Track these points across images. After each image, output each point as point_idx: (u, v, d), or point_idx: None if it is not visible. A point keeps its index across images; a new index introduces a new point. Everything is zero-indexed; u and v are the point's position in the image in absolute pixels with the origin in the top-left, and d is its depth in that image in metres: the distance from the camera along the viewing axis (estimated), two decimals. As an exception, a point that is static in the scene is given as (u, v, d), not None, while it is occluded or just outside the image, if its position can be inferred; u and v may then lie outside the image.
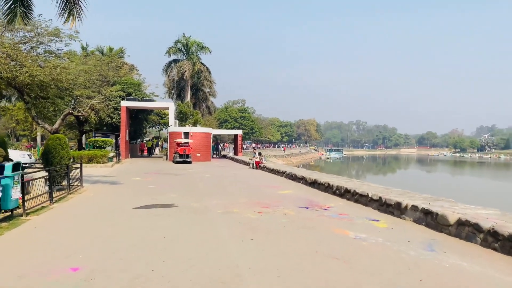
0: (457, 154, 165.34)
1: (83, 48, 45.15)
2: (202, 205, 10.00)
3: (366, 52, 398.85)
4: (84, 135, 41.34)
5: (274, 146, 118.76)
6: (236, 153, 39.28)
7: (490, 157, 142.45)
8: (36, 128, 41.16)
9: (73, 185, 13.04)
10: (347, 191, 11.07)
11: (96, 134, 38.80)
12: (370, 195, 9.77)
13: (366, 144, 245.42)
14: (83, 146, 35.59)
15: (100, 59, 37.55)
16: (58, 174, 11.67)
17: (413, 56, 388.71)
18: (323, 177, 14.01)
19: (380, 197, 9.28)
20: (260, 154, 24.03)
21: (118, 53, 46.82)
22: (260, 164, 23.00)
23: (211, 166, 26.77)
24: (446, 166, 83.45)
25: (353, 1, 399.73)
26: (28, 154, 19.44)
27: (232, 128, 70.49)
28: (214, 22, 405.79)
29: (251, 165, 24.06)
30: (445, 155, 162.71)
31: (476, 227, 6.28)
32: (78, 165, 13.52)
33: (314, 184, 13.83)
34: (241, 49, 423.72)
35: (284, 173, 18.06)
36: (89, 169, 22.37)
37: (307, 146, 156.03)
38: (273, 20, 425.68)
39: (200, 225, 7.64)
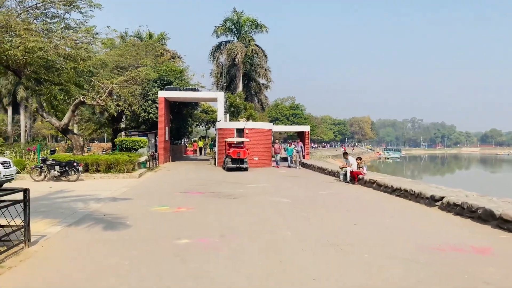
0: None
1: (122, 38, 38.88)
2: None
3: (421, 49, 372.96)
4: (120, 135, 35.06)
5: (326, 146, 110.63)
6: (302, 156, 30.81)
7: None
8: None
9: (9, 243, 5.67)
10: None
11: (132, 133, 32.21)
12: None
13: (423, 143, 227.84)
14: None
15: (136, 44, 30.92)
16: None
17: (469, 49, 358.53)
18: None
19: None
20: (360, 159, 15.63)
21: (159, 39, 40.13)
22: (360, 176, 14.65)
23: (278, 176, 18.74)
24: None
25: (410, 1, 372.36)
26: (2, 162, 12.45)
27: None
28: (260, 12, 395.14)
29: (341, 177, 15.75)
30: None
31: None
32: (14, 196, 5.93)
33: None
34: (289, 44, 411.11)
35: (435, 199, 9.61)
36: (103, 182, 15.19)
37: (362, 145, 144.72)
38: (324, 18, 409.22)
39: None
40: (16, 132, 49.89)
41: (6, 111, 48.55)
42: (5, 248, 5.60)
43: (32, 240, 6.25)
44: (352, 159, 15.59)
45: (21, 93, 39.26)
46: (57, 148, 28.84)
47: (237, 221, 8.06)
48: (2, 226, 5.83)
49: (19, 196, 5.96)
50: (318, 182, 15.82)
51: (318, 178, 17.46)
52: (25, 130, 48.59)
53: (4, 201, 5.87)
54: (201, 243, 6.30)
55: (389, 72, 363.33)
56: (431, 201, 9.72)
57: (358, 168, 15.03)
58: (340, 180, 15.80)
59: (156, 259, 5.46)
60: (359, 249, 5.92)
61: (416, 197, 10.49)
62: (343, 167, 15.85)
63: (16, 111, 49.04)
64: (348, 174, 15.17)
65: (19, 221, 5.96)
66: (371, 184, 13.68)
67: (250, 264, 5.24)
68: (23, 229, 5.99)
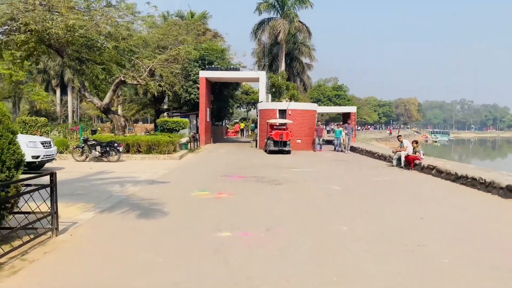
0: None
1: (164, 17, 38.56)
2: None
3: (473, 30, 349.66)
4: (163, 115, 35.04)
5: (369, 128, 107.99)
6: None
7: None
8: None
9: (35, 232, 5.11)
10: None
11: (174, 114, 32.06)
12: None
13: (473, 126, 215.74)
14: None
15: (177, 23, 30.42)
16: None
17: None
18: None
19: None
20: (416, 142, 14.23)
21: (201, 18, 39.44)
22: (416, 162, 13.33)
23: (323, 160, 17.68)
24: None
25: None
26: (43, 142, 12.28)
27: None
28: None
29: (394, 162, 14.49)
30: None
31: None
32: (38, 180, 5.37)
33: None
34: (330, 23, 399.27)
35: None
36: (143, 164, 14.84)
37: (407, 128, 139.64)
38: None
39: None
40: (65, 113, 51.50)
41: (54, 92, 50.11)
42: (29, 238, 5.05)
43: (61, 227, 5.73)
44: (407, 142, 14.24)
45: (68, 74, 40.18)
46: (99, 129, 29.16)
47: (283, 211, 7.20)
48: (27, 213, 5.30)
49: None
50: (369, 167, 14.62)
51: (368, 163, 16.22)
52: (73, 111, 50.05)
53: (29, 185, 5.35)
54: (244, 238, 5.51)
55: (437, 52, 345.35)
56: (507, 191, 8.40)
57: (414, 152, 13.67)
58: (393, 166, 14.54)
59: (194, 257, 4.72)
60: (434, 252, 4.89)
61: (487, 186, 9.17)
62: (396, 151, 14.54)
63: (64, 92, 50.51)
64: (403, 159, 13.86)
65: (46, 208, 5.42)
66: (429, 170, 12.37)
67: (302, 268, 4.37)
68: (50, 216, 5.46)
